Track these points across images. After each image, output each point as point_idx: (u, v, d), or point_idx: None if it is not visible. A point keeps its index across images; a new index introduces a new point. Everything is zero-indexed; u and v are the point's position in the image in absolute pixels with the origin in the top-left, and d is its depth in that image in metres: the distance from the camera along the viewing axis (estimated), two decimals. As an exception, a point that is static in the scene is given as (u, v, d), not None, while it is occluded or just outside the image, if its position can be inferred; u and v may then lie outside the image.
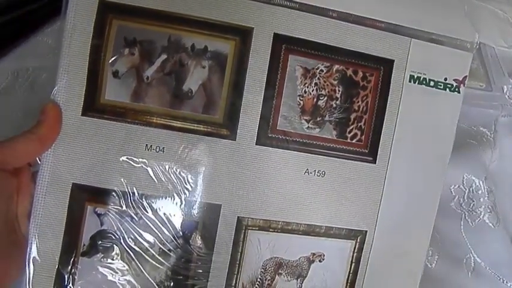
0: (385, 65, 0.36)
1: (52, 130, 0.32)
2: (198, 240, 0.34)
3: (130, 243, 0.33)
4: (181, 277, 0.34)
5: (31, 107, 0.41)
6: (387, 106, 0.36)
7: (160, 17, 0.33)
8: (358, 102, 0.36)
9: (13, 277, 0.31)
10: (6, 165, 0.30)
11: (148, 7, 0.32)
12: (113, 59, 0.32)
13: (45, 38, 0.44)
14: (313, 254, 0.36)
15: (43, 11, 0.43)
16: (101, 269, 0.33)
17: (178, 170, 0.33)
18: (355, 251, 0.36)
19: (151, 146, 0.33)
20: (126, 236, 0.33)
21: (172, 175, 0.33)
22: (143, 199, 0.33)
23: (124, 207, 0.33)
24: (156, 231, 0.33)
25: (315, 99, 0.35)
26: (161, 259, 0.33)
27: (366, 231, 0.36)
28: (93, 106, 0.33)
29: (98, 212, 0.33)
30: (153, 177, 0.33)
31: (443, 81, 0.37)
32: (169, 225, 0.33)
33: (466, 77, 0.37)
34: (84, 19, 0.32)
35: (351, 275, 0.37)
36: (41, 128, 0.31)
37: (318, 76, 0.35)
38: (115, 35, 0.33)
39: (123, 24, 0.33)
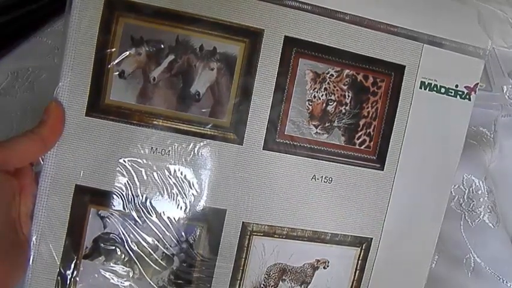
0: (396, 71, 0.35)
1: (54, 130, 0.31)
2: (202, 245, 0.33)
3: (133, 247, 0.33)
4: (184, 282, 0.33)
5: (31, 107, 0.40)
6: (397, 112, 0.36)
7: (168, 16, 0.32)
8: (367, 108, 0.35)
9: (15, 278, 0.31)
10: (8, 165, 0.29)
11: (156, 5, 0.32)
12: (119, 58, 0.32)
13: (45, 38, 0.43)
14: (318, 261, 0.35)
15: (43, 11, 0.42)
16: (103, 272, 0.32)
17: (183, 174, 0.33)
18: (360, 258, 0.36)
19: (156, 148, 0.32)
20: (129, 240, 0.32)
21: (177, 179, 0.33)
22: (147, 202, 0.33)
23: (128, 210, 0.32)
24: (160, 235, 0.33)
25: (324, 104, 0.34)
26: (164, 263, 0.33)
27: (372, 239, 0.36)
28: (97, 106, 0.32)
29: (101, 214, 0.32)
30: (158, 180, 0.33)
31: (454, 88, 0.36)
32: (173, 229, 0.33)
33: (477, 84, 0.37)
34: (90, 16, 0.31)
35: (355, 282, 0.36)
36: (43, 128, 0.31)
37: (327, 81, 0.34)
38: (121, 33, 0.32)
39: (130, 23, 0.32)
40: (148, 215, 0.33)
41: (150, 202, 0.33)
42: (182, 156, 0.33)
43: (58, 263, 0.32)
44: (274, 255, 0.35)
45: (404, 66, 0.35)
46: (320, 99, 0.34)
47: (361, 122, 0.35)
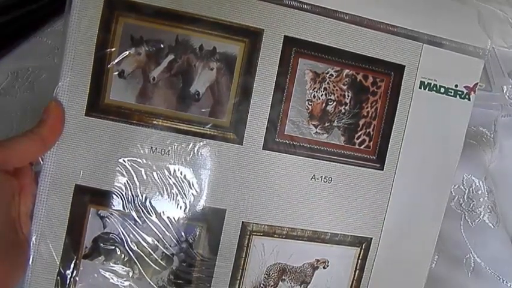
0: (396, 71, 0.35)
1: (54, 130, 0.31)
2: (201, 245, 0.33)
3: (133, 247, 0.33)
4: (183, 282, 0.33)
5: (31, 107, 0.41)
6: (396, 112, 0.36)
7: (168, 15, 0.32)
8: (367, 107, 0.35)
9: (15, 278, 0.31)
10: (7, 165, 0.29)
11: (156, 5, 0.32)
12: (118, 58, 0.32)
13: (45, 38, 0.43)
14: (318, 261, 0.35)
15: (43, 11, 0.42)
16: (102, 272, 0.32)
17: (183, 174, 0.33)
18: (360, 258, 0.36)
19: (156, 148, 0.32)
20: (129, 239, 0.32)
21: (177, 178, 0.33)
22: (147, 202, 0.33)
23: (127, 210, 0.32)
24: (160, 235, 0.33)
25: (324, 104, 0.34)
26: (164, 263, 0.33)
27: (371, 239, 0.36)
28: (97, 106, 0.32)
29: (101, 214, 0.32)
30: (158, 180, 0.33)
31: (453, 88, 0.36)
32: (172, 229, 0.33)
33: (476, 84, 0.37)
34: (90, 16, 0.31)
35: (354, 282, 0.36)
36: (43, 127, 0.31)
37: (327, 81, 0.34)
38: (121, 33, 0.32)
39: (130, 22, 0.32)
40: (148, 215, 0.33)
41: (150, 202, 0.33)
42: (182, 156, 0.33)
43: (58, 263, 0.32)
44: (274, 255, 0.35)
45: (404, 66, 0.35)
46: (320, 99, 0.34)
47: (361, 122, 0.35)
